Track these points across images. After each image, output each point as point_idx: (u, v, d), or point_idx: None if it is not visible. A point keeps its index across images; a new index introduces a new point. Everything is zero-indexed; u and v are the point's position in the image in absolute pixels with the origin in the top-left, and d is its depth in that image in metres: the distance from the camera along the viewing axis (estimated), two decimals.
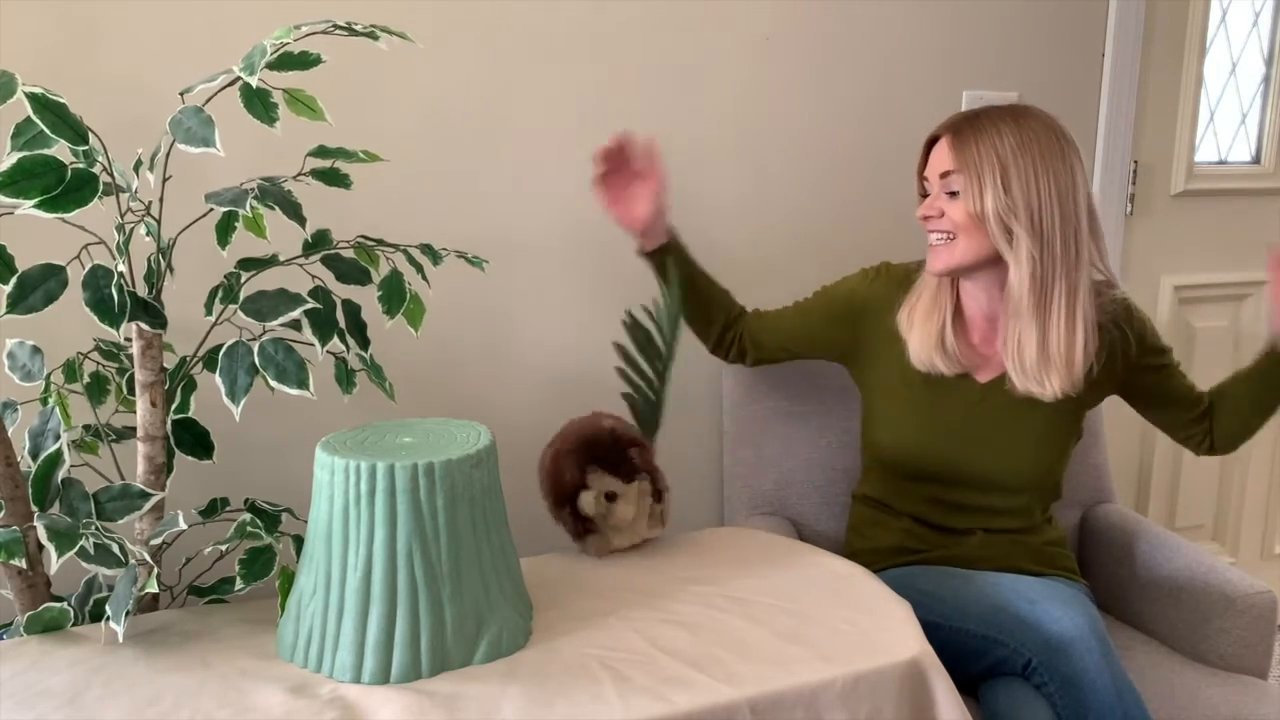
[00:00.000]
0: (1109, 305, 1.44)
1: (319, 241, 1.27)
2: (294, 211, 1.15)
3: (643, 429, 1.40)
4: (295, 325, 1.17)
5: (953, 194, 1.38)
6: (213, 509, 1.30)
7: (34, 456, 1.15)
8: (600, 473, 1.31)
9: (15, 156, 1.03)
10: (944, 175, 1.39)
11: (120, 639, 1.04)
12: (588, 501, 1.30)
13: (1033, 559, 1.50)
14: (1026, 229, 1.34)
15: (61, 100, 1.05)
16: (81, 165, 1.06)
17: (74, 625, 1.13)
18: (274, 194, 1.13)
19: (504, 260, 1.63)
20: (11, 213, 1.04)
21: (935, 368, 1.44)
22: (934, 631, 1.18)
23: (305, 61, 1.12)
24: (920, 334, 1.44)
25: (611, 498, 1.31)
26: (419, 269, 1.29)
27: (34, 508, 1.13)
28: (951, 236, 1.39)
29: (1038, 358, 1.37)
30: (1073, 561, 1.56)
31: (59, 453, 1.15)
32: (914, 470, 1.49)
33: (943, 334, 1.43)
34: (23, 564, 1.11)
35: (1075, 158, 1.37)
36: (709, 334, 1.62)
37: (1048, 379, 1.38)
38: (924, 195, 1.45)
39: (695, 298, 1.57)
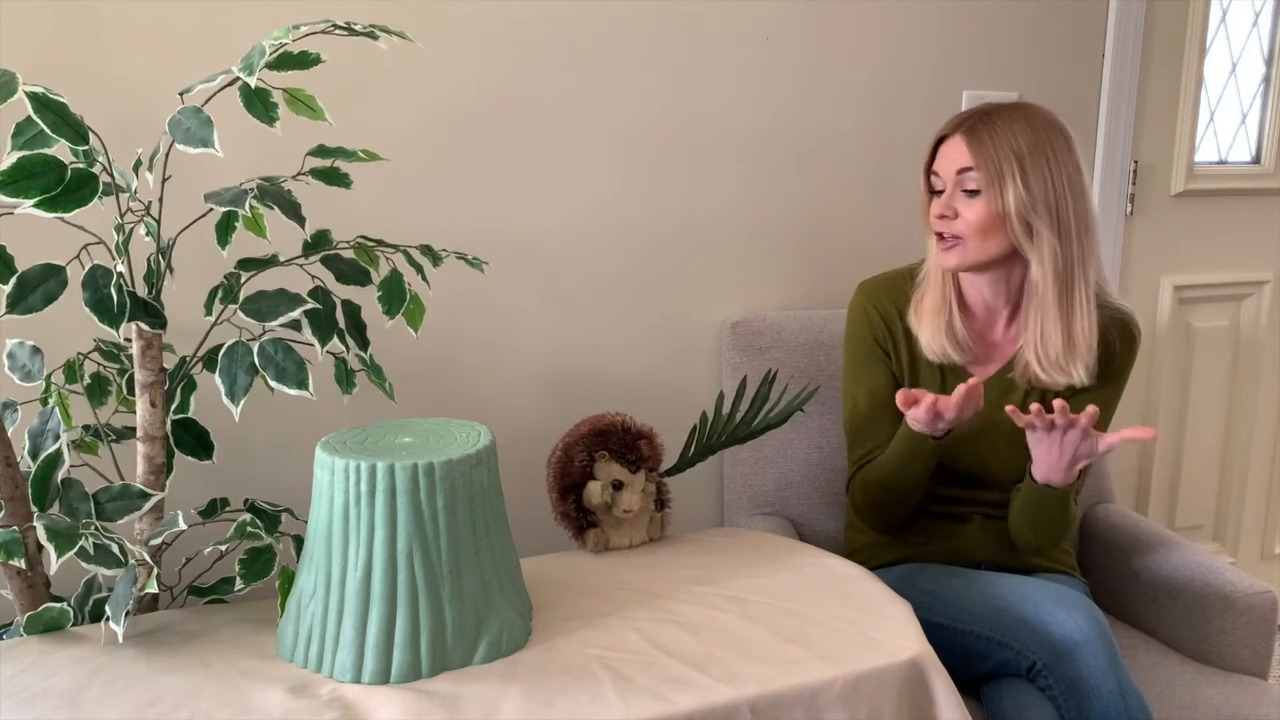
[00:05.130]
0: (1113, 311, 1.45)
1: (319, 242, 1.27)
2: (294, 211, 1.15)
3: (687, 447, 1.41)
4: (295, 325, 1.17)
5: (970, 192, 1.37)
6: (213, 509, 1.30)
7: (34, 457, 1.15)
8: (608, 459, 1.32)
9: (15, 156, 1.03)
10: (961, 171, 1.38)
11: (120, 639, 1.04)
12: (594, 491, 1.31)
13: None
14: (1048, 224, 1.36)
15: (62, 100, 1.05)
16: (81, 165, 1.06)
17: (74, 625, 1.13)
18: (273, 194, 1.13)
19: (504, 260, 1.63)
20: (11, 212, 1.04)
21: (948, 357, 1.44)
22: (937, 631, 1.18)
23: (304, 61, 1.12)
24: (930, 327, 1.45)
25: (618, 486, 1.32)
26: (419, 269, 1.29)
27: (34, 508, 1.13)
28: (959, 239, 1.38)
29: (1064, 348, 1.39)
30: (1072, 558, 1.56)
31: (59, 453, 1.15)
32: None
33: (951, 323, 1.44)
34: (22, 564, 1.11)
35: (1079, 152, 1.39)
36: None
37: (1073, 367, 1.39)
38: (931, 192, 1.44)
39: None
